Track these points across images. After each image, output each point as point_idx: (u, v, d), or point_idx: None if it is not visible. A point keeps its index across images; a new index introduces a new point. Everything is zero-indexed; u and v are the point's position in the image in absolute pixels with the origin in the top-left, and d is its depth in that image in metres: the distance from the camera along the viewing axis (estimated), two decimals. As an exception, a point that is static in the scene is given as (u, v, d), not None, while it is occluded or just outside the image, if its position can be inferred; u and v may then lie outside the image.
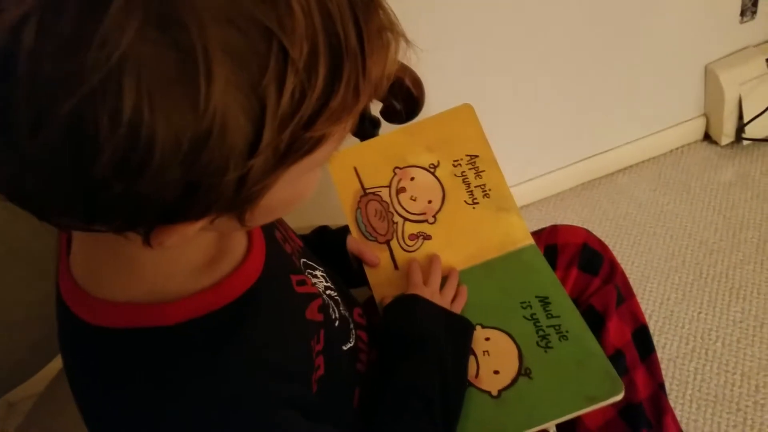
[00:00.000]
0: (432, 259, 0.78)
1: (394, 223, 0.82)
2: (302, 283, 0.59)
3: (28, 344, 0.81)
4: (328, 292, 0.64)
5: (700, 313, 1.35)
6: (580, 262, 0.82)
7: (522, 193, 1.65)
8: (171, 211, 0.35)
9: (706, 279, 1.41)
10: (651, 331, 1.29)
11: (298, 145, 0.35)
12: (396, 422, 0.62)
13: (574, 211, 1.62)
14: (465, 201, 0.82)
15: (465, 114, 0.85)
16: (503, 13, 1.33)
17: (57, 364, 0.86)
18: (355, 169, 0.85)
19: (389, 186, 0.84)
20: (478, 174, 0.83)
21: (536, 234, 0.85)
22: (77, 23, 0.30)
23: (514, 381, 0.69)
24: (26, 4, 0.30)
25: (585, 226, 0.87)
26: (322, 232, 0.84)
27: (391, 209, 0.83)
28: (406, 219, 0.82)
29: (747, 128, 1.60)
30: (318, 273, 0.65)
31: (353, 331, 0.66)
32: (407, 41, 0.40)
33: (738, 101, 1.58)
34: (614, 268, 0.82)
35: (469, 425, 0.67)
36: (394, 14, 0.39)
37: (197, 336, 0.45)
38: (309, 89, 0.34)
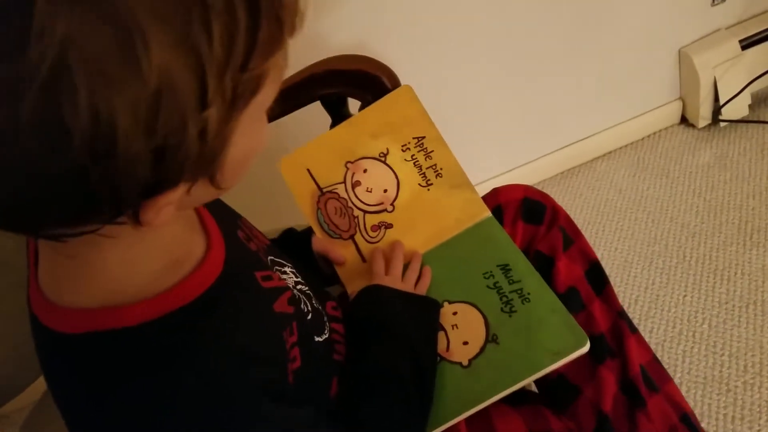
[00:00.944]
0: (393, 246, 0.80)
1: (354, 217, 0.83)
2: (268, 278, 0.60)
3: (19, 357, 0.78)
4: (299, 286, 0.65)
5: (685, 296, 1.35)
6: (523, 215, 0.84)
7: (502, 184, 1.64)
8: (150, 184, 0.36)
9: (689, 262, 1.41)
10: (637, 316, 1.32)
11: (243, 87, 0.37)
12: (371, 406, 0.63)
13: (554, 199, 1.62)
14: (419, 184, 0.83)
15: (405, 96, 0.85)
16: (476, 3, 1.32)
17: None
18: (309, 171, 0.85)
19: (344, 182, 0.84)
20: (427, 155, 0.83)
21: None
22: (8, 22, 0.30)
23: (482, 349, 0.71)
24: None
25: (553, 198, 0.87)
26: (289, 235, 0.85)
27: (350, 204, 0.83)
28: (365, 212, 0.83)
29: (723, 110, 1.61)
30: (287, 269, 0.66)
31: (327, 323, 0.68)
32: None
33: (713, 84, 1.58)
34: (557, 212, 0.84)
35: (444, 396, 0.70)
36: None
37: (157, 335, 0.46)
38: (234, 30, 0.35)
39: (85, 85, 0.31)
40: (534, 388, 0.79)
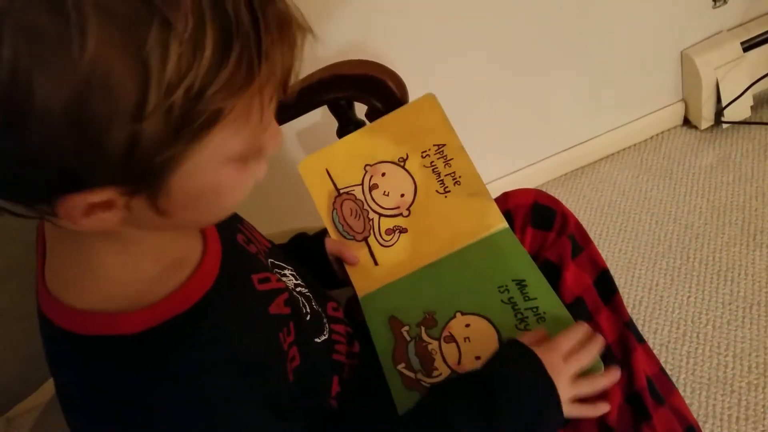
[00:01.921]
0: (593, 338, 0.68)
1: (369, 220, 0.83)
2: (265, 280, 0.60)
3: (27, 359, 0.80)
4: (298, 289, 0.66)
5: (689, 297, 1.36)
6: (533, 221, 0.83)
7: (506, 186, 1.63)
8: (69, 175, 0.36)
9: (693, 263, 1.42)
10: (641, 318, 1.32)
11: (193, 116, 0.36)
12: None
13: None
14: (437, 191, 0.82)
15: (428, 104, 0.85)
16: (478, 5, 1.33)
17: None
18: (327, 171, 0.85)
19: (362, 184, 0.84)
20: (447, 163, 0.83)
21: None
22: None
23: None
24: None
25: (563, 204, 0.87)
26: (301, 238, 0.85)
27: (366, 206, 0.83)
28: (381, 215, 0.83)
29: (725, 111, 1.61)
30: (287, 272, 0.66)
31: (327, 324, 0.68)
32: (314, 36, 0.42)
33: (715, 85, 1.59)
34: (567, 219, 0.83)
35: None
36: (298, 9, 0.41)
37: (157, 343, 0.47)
38: (195, 60, 0.35)
39: (11, 43, 0.32)
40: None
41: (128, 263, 0.47)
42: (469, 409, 0.62)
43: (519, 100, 1.52)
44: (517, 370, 0.63)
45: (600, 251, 0.84)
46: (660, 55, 1.59)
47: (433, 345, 0.73)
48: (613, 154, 1.70)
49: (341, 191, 0.84)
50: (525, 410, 0.62)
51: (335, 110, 0.95)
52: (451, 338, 0.73)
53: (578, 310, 0.72)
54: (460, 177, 0.82)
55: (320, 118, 0.95)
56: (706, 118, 1.65)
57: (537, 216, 0.83)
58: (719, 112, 1.63)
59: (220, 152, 0.41)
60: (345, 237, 0.83)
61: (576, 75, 1.53)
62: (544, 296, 0.72)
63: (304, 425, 0.58)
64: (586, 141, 1.66)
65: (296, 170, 0.86)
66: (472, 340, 0.72)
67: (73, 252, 0.47)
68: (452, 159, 0.82)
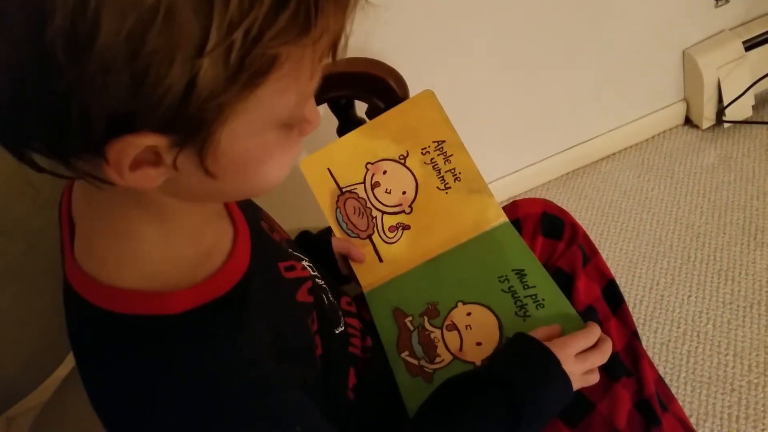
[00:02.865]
0: (601, 338, 0.70)
1: (373, 217, 0.84)
2: (291, 268, 0.61)
3: (27, 360, 0.81)
4: (316, 280, 0.66)
5: (689, 296, 1.36)
6: (543, 230, 0.84)
7: (507, 185, 1.65)
8: (121, 113, 0.35)
9: (694, 262, 1.42)
10: (642, 317, 1.32)
11: (250, 60, 0.36)
12: None
13: (559, 201, 1.61)
14: (437, 187, 0.83)
15: (426, 100, 0.86)
16: (480, 5, 1.33)
17: (55, 378, 0.86)
18: (329, 170, 0.86)
19: (364, 182, 0.85)
20: (446, 159, 0.84)
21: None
22: None
23: (495, 350, 0.73)
24: None
25: (571, 215, 0.88)
26: (306, 236, 0.86)
27: (369, 205, 0.84)
28: (383, 212, 0.84)
29: (727, 111, 1.61)
30: (305, 264, 0.67)
31: (342, 317, 0.69)
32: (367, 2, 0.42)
33: (717, 84, 1.59)
34: (576, 230, 0.84)
35: None
36: None
37: (200, 324, 0.46)
38: (258, 0, 0.35)
39: None
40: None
41: (166, 240, 0.47)
42: (492, 415, 0.63)
43: (520, 99, 1.52)
44: (543, 380, 0.65)
45: (601, 250, 0.85)
46: (662, 55, 1.60)
47: (436, 333, 0.76)
48: (614, 154, 1.71)
49: (344, 190, 0.85)
50: (545, 417, 0.65)
51: (335, 109, 0.96)
52: (453, 326, 0.75)
53: (590, 319, 0.73)
54: (460, 173, 0.83)
55: (320, 116, 0.94)
56: (708, 118, 1.65)
57: (547, 225, 0.84)
58: (721, 111, 1.63)
59: (268, 111, 0.41)
60: (349, 235, 0.84)
61: (577, 74, 1.53)
62: (542, 284, 0.74)
63: (324, 415, 0.58)
64: (587, 140, 1.66)
65: (297, 169, 0.86)
66: (473, 328, 0.75)
67: (109, 225, 0.47)
68: (452, 155, 0.83)
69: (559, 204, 0.84)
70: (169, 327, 0.46)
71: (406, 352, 0.75)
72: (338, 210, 0.85)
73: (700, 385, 1.22)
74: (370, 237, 0.83)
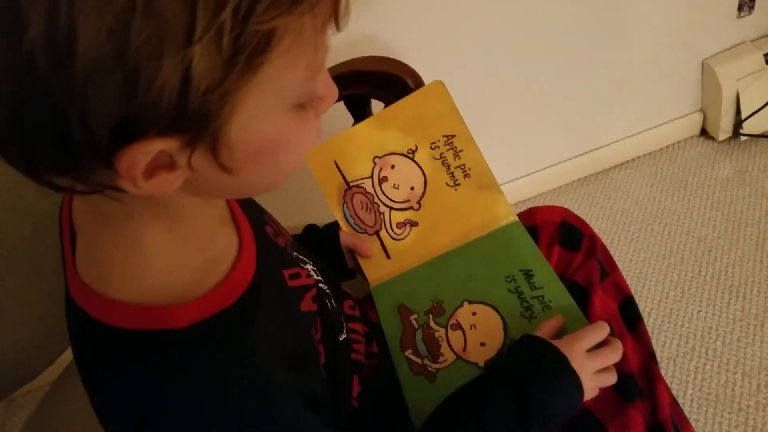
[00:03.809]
0: (613, 348, 0.67)
1: (380, 213, 0.82)
2: (296, 276, 0.59)
3: (31, 343, 0.80)
4: (319, 285, 0.64)
5: (699, 311, 1.34)
6: (560, 239, 0.82)
7: (518, 189, 1.63)
8: (124, 122, 0.33)
9: (704, 277, 1.39)
10: (650, 330, 1.30)
11: (244, 40, 0.33)
12: None
13: (570, 207, 1.59)
14: (447, 183, 0.81)
15: (436, 91, 0.83)
16: (498, 7, 1.31)
17: (59, 363, 0.85)
18: (336, 163, 0.84)
19: (371, 177, 0.83)
20: (456, 154, 0.81)
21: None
22: None
23: (499, 351, 0.71)
24: None
25: (591, 226, 0.86)
26: (314, 229, 0.84)
27: (377, 200, 0.82)
28: (391, 208, 0.82)
29: (745, 124, 1.59)
30: (309, 267, 0.65)
31: (344, 323, 0.67)
32: None
33: (735, 97, 1.56)
34: (594, 242, 0.82)
35: None
36: None
37: (206, 338, 0.44)
38: None
39: None
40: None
41: (171, 249, 0.45)
42: (503, 415, 0.62)
43: (535, 102, 1.50)
44: (554, 384, 0.63)
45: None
46: (680, 64, 1.57)
47: (440, 332, 0.74)
48: (627, 162, 1.68)
49: (351, 184, 0.83)
50: (556, 419, 0.63)
51: (351, 106, 0.94)
52: (458, 326, 0.74)
53: None
54: (469, 169, 0.81)
55: (335, 114, 0.93)
56: (724, 130, 1.63)
57: (564, 235, 0.82)
58: (738, 124, 1.61)
59: (275, 93, 0.38)
60: (356, 230, 0.83)
61: (594, 80, 1.51)
62: (549, 285, 0.73)
63: (330, 425, 0.56)
64: (600, 147, 1.64)
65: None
66: (478, 328, 0.73)
67: (114, 234, 0.44)
68: (461, 150, 0.81)
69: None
70: (173, 343, 0.44)
71: (410, 350, 0.75)
72: (345, 205, 0.83)
73: (706, 403, 1.20)
74: (377, 233, 0.82)
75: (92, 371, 0.48)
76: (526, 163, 1.61)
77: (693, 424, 1.15)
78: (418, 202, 0.82)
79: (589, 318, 0.74)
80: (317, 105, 0.44)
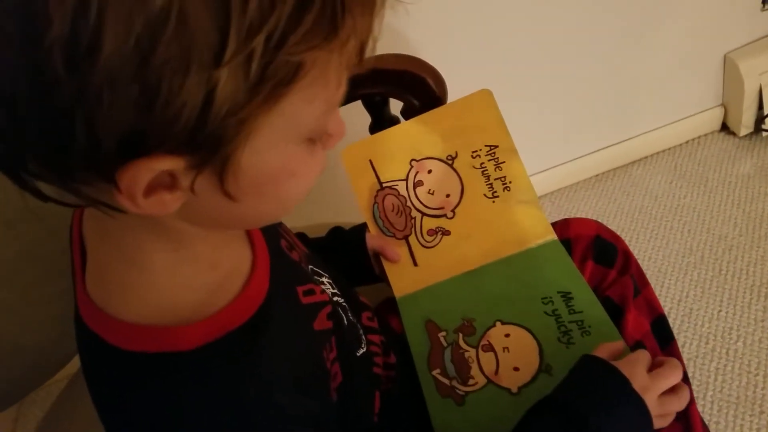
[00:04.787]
0: (672, 368, 0.62)
1: (412, 218, 0.79)
2: (310, 292, 0.57)
3: (45, 344, 0.80)
4: (335, 299, 0.62)
5: (720, 311, 1.32)
6: (594, 255, 0.80)
7: (536, 185, 1.58)
8: (132, 133, 0.32)
9: (725, 276, 1.37)
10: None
11: (272, 69, 0.33)
12: None
13: (587, 204, 1.58)
14: (484, 194, 0.78)
15: (483, 100, 0.81)
16: (519, 1, 1.28)
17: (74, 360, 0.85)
18: (371, 162, 0.81)
19: (406, 179, 0.80)
20: (498, 165, 0.79)
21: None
22: None
23: (534, 377, 0.68)
24: None
25: (600, 219, 0.85)
26: (339, 230, 0.82)
27: (409, 204, 0.80)
28: (424, 214, 0.79)
29: (767, 119, 1.56)
30: (325, 280, 0.63)
31: (363, 336, 0.65)
32: None
33: (758, 91, 1.53)
34: (629, 258, 0.80)
35: (486, 422, 0.66)
36: None
37: (213, 361, 0.43)
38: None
39: None
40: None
41: (179, 269, 0.44)
42: None
43: (553, 98, 1.48)
44: (615, 411, 0.57)
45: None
46: (702, 58, 1.54)
47: (471, 353, 0.71)
48: (646, 157, 1.66)
49: (384, 185, 0.80)
50: None
51: (370, 106, 0.92)
52: (490, 347, 0.71)
53: None
54: (510, 182, 0.78)
55: (353, 113, 0.91)
56: (746, 125, 1.60)
57: (598, 250, 0.80)
58: (760, 119, 1.58)
59: (292, 124, 0.37)
60: (385, 233, 0.80)
61: (613, 74, 1.48)
62: (590, 310, 0.69)
63: None
64: (619, 142, 1.62)
65: (332, 160, 0.82)
66: (511, 351, 0.70)
67: (119, 253, 0.43)
68: (503, 162, 0.79)
69: (587, 207, 0.80)
70: (178, 366, 0.42)
71: (438, 370, 0.71)
72: (376, 205, 0.80)
73: (727, 405, 1.18)
74: (406, 238, 0.79)
75: (99, 390, 0.47)
76: (544, 159, 1.59)
77: (713, 427, 1.15)
78: (453, 211, 0.79)
79: (623, 335, 0.70)
80: (326, 140, 0.43)
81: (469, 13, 1.27)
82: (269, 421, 0.44)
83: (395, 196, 0.80)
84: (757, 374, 1.21)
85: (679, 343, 1.27)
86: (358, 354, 0.62)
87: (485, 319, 0.72)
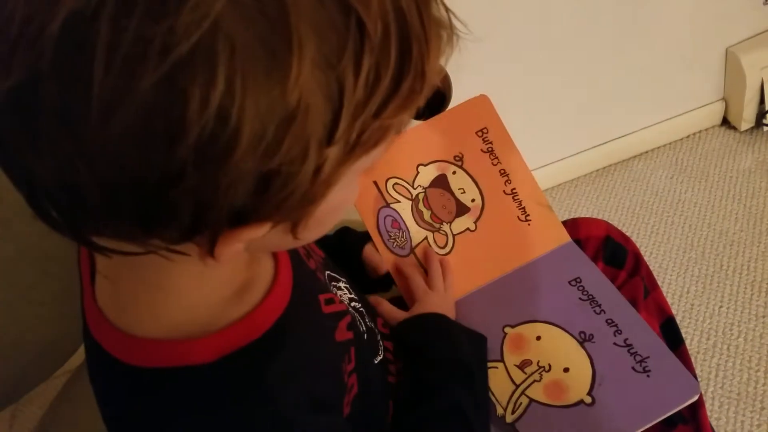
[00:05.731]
0: (428, 256, 0.76)
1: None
2: (330, 301, 0.55)
3: (44, 344, 0.80)
4: (353, 304, 0.60)
5: (721, 306, 1.31)
6: (605, 256, 0.80)
7: (537, 180, 1.60)
8: (241, 211, 0.32)
9: (726, 271, 1.37)
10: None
11: (367, 135, 0.33)
12: None
13: (588, 199, 1.58)
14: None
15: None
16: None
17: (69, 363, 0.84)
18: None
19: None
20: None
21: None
22: None
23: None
24: None
25: (601, 215, 0.86)
26: (345, 234, 0.79)
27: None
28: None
29: (769, 114, 1.56)
30: (342, 284, 0.61)
31: (380, 342, 0.64)
32: (457, 36, 0.39)
33: (760, 86, 1.53)
34: (639, 260, 0.80)
35: None
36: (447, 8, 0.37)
37: (229, 375, 0.42)
38: (383, 71, 0.31)
39: (224, 79, 0.27)
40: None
41: (203, 287, 0.42)
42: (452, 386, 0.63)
43: (554, 92, 1.47)
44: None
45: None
46: (703, 52, 1.53)
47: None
48: (647, 152, 1.65)
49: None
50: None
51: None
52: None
53: None
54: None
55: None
56: (747, 120, 1.60)
57: (609, 252, 0.80)
58: (761, 114, 1.57)
59: (364, 166, 0.37)
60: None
61: (614, 69, 1.48)
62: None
63: None
64: (620, 137, 1.61)
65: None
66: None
67: (141, 275, 0.41)
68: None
69: (588, 202, 0.80)
70: (191, 382, 0.41)
71: None
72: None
73: (728, 401, 1.18)
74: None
75: (106, 402, 0.46)
76: (545, 154, 1.58)
77: (714, 422, 1.14)
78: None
79: None
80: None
81: (470, 6, 1.26)
82: None
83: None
84: (759, 370, 1.21)
85: (680, 339, 1.27)
86: (375, 361, 0.61)
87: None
